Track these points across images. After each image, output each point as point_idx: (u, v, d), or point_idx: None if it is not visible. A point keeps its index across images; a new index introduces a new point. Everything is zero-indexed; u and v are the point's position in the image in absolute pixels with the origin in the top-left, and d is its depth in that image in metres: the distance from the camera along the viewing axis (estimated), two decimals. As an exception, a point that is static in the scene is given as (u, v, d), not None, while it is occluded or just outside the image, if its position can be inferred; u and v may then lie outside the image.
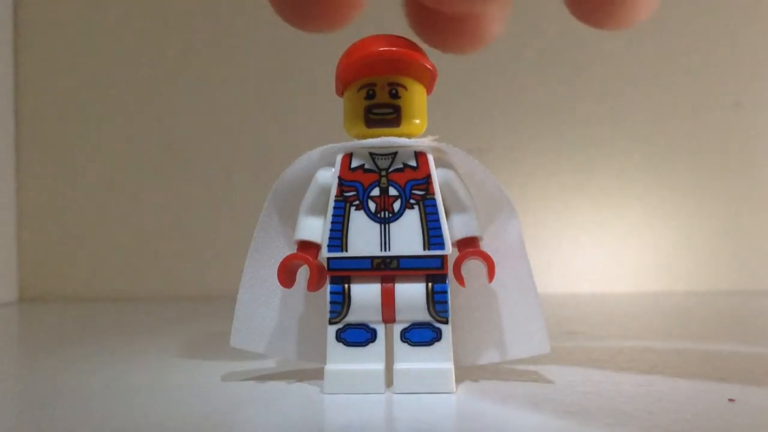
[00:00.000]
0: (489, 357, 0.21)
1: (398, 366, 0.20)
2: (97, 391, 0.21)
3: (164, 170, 0.55)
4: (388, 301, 0.20)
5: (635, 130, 0.55)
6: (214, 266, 0.54)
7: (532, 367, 0.22)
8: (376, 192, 0.20)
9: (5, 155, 0.53)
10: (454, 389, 0.19)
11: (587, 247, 0.55)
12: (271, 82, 0.55)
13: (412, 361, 0.20)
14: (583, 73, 0.54)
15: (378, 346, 0.20)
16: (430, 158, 0.20)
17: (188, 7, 0.55)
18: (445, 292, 0.20)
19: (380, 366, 0.20)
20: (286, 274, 0.20)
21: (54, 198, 0.55)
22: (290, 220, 0.21)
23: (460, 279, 0.20)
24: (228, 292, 0.52)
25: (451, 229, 0.20)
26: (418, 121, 0.20)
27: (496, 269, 0.20)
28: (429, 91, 0.20)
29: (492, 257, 0.20)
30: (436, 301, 0.20)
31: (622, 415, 0.17)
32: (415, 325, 0.20)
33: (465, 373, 0.21)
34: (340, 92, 0.20)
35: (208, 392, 0.20)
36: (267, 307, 0.21)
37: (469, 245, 0.20)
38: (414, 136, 0.20)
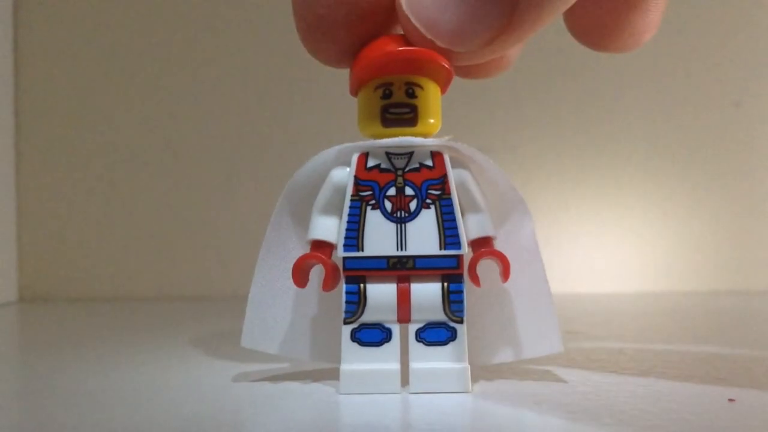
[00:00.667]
0: (502, 356, 0.21)
1: (414, 366, 0.20)
2: (97, 391, 0.21)
3: (164, 170, 0.54)
4: (403, 300, 0.20)
5: (635, 130, 0.55)
6: (214, 266, 0.54)
7: (531, 367, 0.22)
8: (392, 192, 0.20)
9: (5, 155, 0.53)
10: (470, 389, 0.19)
11: (587, 247, 0.55)
12: (272, 82, 0.55)
13: (428, 360, 0.20)
14: (583, 72, 0.54)
15: (393, 346, 0.20)
16: (446, 158, 0.20)
17: (189, 6, 0.55)
18: (461, 291, 0.20)
19: (395, 366, 0.20)
20: (301, 274, 0.20)
21: (54, 198, 0.55)
22: (303, 219, 0.21)
23: (475, 279, 0.20)
24: (229, 292, 0.52)
25: (466, 229, 0.20)
26: (433, 121, 0.20)
27: (510, 269, 0.20)
28: (443, 90, 0.20)
29: (507, 257, 0.20)
30: (452, 301, 0.20)
31: (622, 415, 0.17)
32: (431, 325, 0.20)
33: (481, 372, 0.21)
34: (355, 92, 0.20)
35: (215, 392, 0.20)
36: (279, 308, 0.21)
37: (483, 245, 0.20)
38: (430, 135, 0.20)
